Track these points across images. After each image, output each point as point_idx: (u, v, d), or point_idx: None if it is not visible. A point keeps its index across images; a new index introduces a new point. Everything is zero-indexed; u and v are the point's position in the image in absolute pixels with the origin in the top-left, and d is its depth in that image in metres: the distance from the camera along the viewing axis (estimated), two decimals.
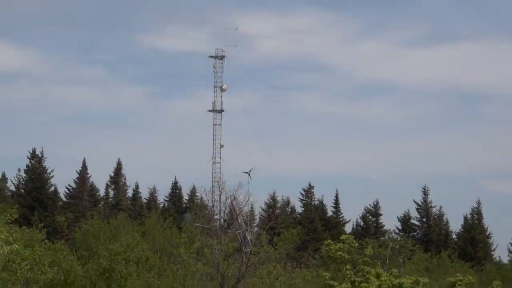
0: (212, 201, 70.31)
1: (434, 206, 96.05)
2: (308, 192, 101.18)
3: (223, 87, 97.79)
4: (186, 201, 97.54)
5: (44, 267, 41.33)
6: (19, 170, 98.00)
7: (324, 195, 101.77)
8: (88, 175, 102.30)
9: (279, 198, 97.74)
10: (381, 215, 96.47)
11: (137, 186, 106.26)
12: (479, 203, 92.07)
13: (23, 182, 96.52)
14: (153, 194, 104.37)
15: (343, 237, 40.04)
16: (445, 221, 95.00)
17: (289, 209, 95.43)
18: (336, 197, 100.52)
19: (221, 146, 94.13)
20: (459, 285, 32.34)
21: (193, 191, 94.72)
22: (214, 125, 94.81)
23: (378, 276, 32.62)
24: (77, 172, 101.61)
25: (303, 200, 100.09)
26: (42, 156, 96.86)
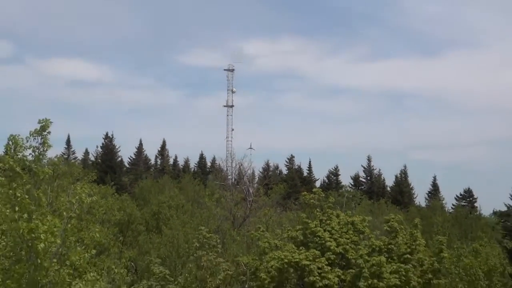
0: (226, 166, 70.89)
1: (375, 169, 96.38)
2: (291, 160, 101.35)
3: (233, 90, 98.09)
4: (209, 167, 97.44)
5: (114, 212, 42.05)
6: (97, 146, 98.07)
7: (301, 162, 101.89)
8: (143, 150, 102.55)
9: (271, 164, 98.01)
10: (339, 175, 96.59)
11: (176, 157, 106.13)
12: (405, 166, 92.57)
13: (99, 155, 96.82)
14: (187, 162, 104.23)
15: (314, 190, 40.62)
16: (383, 178, 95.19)
17: (278, 172, 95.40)
18: (309, 163, 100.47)
19: (232, 129, 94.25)
20: (392, 221, 32.53)
21: (213, 160, 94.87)
22: (227, 115, 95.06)
23: (337, 216, 32.81)
24: (136, 147, 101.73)
25: (287, 165, 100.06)
26: (112, 137, 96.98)
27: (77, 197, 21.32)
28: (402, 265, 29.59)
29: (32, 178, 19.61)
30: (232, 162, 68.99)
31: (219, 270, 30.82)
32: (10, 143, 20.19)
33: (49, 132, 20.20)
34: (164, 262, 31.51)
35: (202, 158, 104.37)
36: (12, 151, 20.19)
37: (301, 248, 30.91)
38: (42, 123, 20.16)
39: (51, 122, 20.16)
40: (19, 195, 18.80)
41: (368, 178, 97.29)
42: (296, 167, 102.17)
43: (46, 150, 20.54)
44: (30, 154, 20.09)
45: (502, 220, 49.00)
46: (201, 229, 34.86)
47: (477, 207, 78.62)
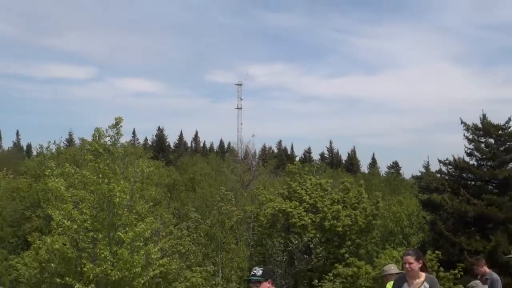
0: (237, 148, 71.09)
1: (335, 149, 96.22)
2: (280, 143, 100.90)
3: (241, 98, 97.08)
4: (226, 148, 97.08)
5: (164, 177, 42.16)
6: (152, 135, 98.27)
7: (287, 144, 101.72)
8: (183, 137, 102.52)
9: (267, 146, 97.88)
10: (311, 153, 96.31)
11: (204, 142, 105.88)
12: (354, 147, 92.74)
13: (154, 141, 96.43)
14: (211, 145, 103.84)
15: (295, 163, 40.70)
16: (340, 155, 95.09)
17: (271, 151, 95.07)
18: (292, 145, 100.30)
19: (241, 124, 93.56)
20: (345, 182, 32.58)
21: (229, 144, 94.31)
22: (237, 114, 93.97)
23: (310, 179, 32.67)
24: (178, 136, 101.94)
25: (277, 146, 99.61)
26: (162, 129, 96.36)
27: (139, 168, 21.52)
28: (352, 211, 29.65)
29: (110, 156, 19.73)
30: (241, 145, 69.52)
31: (233, 215, 30.87)
32: (96, 133, 20.41)
33: (121, 126, 20.41)
34: (197, 210, 31.59)
35: (221, 142, 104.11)
36: (97, 138, 20.38)
37: (286, 200, 30.98)
38: (116, 120, 20.33)
39: (122, 119, 20.35)
40: (101, 167, 18.91)
41: (330, 154, 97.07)
42: (283, 148, 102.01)
43: (119, 137, 20.75)
44: (108, 140, 20.26)
45: (417, 181, 49.05)
46: (221, 188, 34.88)
47: (401, 173, 79.65)
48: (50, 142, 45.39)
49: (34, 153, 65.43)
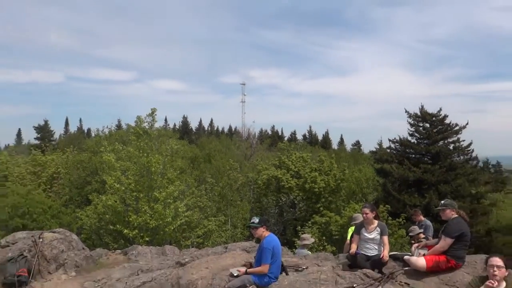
0: (242, 130, 70.66)
1: (313, 131, 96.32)
2: (273, 128, 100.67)
3: (244, 94, 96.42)
4: (233, 130, 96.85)
5: (188, 152, 41.81)
6: (179, 122, 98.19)
7: (278, 129, 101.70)
8: (202, 123, 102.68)
9: (263, 129, 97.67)
10: (296, 134, 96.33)
11: (218, 126, 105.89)
12: (327, 130, 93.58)
13: (181, 125, 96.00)
14: (223, 129, 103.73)
15: (284, 142, 40.83)
16: (317, 136, 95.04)
17: (267, 133, 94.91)
18: (282, 129, 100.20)
19: (244, 113, 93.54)
20: (321, 156, 32.64)
21: (236, 127, 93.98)
22: (242, 106, 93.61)
23: (295, 154, 32.76)
24: (198, 122, 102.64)
25: (272, 130, 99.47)
26: (186, 117, 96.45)
27: (170, 146, 21.46)
28: (326, 176, 29.61)
29: (148, 137, 19.63)
30: (244, 129, 69.14)
31: (238, 179, 30.95)
32: (137, 119, 20.24)
33: (155, 114, 20.25)
34: (212, 176, 31.56)
35: (230, 127, 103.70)
36: (138, 123, 20.20)
37: (277, 169, 30.97)
38: (152, 110, 20.18)
39: (156, 109, 20.22)
40: (141, 145, 18.82)
41: (310, 136, 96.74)
42: (275, 131, 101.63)
43: (154, 123, 20.60)
44: (146, 125, 20.12)
45: (373, 155, 48.79)
46: (229, 160, 34.93)
47: (362, 149, 79.46)
48: (104, 126, 45.46)
49: (93, 135, 65.52)
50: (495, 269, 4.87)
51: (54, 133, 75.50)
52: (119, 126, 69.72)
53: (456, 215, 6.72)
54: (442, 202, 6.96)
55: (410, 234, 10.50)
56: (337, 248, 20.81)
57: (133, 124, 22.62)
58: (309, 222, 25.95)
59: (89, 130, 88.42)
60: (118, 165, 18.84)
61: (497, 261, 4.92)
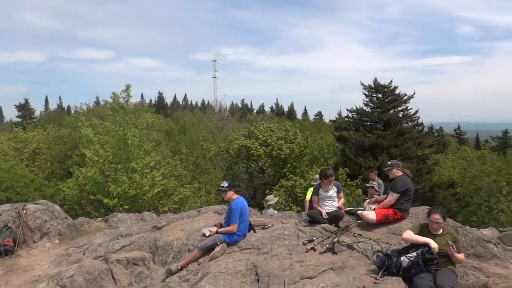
0: (214, 104, 70.04)
1: (280, 104, 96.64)
2: (243, 101, 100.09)
3: (216, 70, 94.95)
4: (206, 104, 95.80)
5: (163, 126, 41.21)
6: (155, 97, 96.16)
7: (247, 102, 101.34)
8: (177, 98, 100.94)
9: (234, 103, 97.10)
10: (264, 107, 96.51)
11: (191, 101, 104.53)
12: (292, 102, 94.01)
13: (157, 101, 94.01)
14: (196, 103, 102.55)
15: (253, 114, 40.60)
16: (283, 108, 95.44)
17: (237, 106, 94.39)
18: (251, 102, 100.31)
19: (216, 88, 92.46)
20: (287, 125, 32.60)
21: (208, 102, 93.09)
22: (214, 82, 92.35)
23: (263, 124, 32.60)
24: (172, 97, 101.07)
25: (241, 103, 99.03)
26: (162, 93, 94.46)
27: (145, 119, 21.00)
28: (291, 144, 29.77)
29: (124, 111, 19.19)
30: (216, 102, 68.56)
31: (211, 150, 30.83)
32: (112, 95, 19.68)
33: (130, 90, 19.76)
34: (187, 147, 31.33)
35: (203, 101, 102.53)
36: (114, 99, 19.68)
37: (247, 138, 30.93)
38: (126, 86, 19.67)
39: (131, 86, 19.71)
40: (118, 119, 18.39)
41: (277, 107, 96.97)
42: (245, 104, 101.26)
43: (129, 98, 20.10)
44: (122, 100, 19.64)
45: (333, 123, 49.19)
46: (202, 132, 34.67)
47: (323, 118, 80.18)
48: (82, 103, 44.11)
49: (72, 112, 63.56)
50: (435, 225, 5.26)
51: (35, 111, 73.20)
52: (97, 103, 67.82)
53: (402, 173, 6.93)
54: (389, 162, 7.17)
55: (368, 185, 10.95)
56: (302, 207, 21.19)
57: (110, 100, 22.06)
58: (277, 186, 26.23)
59: (69, 107, 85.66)
60: (96, 139, 18.43)
61: (437, 218, 5.25)
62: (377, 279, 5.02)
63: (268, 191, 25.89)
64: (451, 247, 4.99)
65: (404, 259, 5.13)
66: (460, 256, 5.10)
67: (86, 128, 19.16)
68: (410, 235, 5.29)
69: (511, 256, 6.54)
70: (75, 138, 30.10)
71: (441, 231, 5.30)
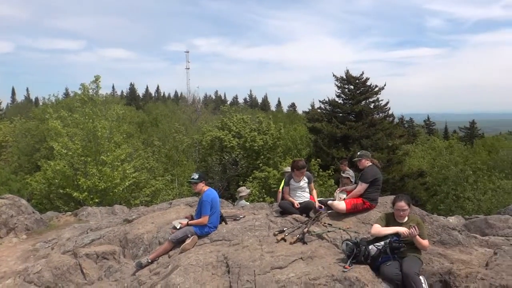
0: (187, 95, 69.19)
1: (253, 95, 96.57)
2: (216, 92, 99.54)
3: (189, 61, 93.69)
4: (179, 95, 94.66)
5: (135, 117, 40.45)
6: (127, 89, 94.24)
7: (221, 93, 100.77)
8: (149, 90, 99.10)
9: (207, 94, 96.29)
10: (238, 98, 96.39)
11: (164, 92, 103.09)
12: (266, 94, 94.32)
13: (128, 92, 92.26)
14: (169, 94, 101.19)
15: (226, 105, 40.37)
16: (257, 99, 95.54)
17: (210, 98, 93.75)
18: (224, 94, 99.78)
19: (189, 79, 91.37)
20: (260, 117, 32.55)
21: (181, 93, 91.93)
22: (186, 72, 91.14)
23: (236, 116, 32.45)
24: (144, 89, 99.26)
25: (215, 95, 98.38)
26: (133, 84, 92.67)
27: (115, 111, 20.60)
28: (264, 135, 29.76)
29: (93, 103, 18.76)
30: (189, 94, 67.65)
31: (184, 142, 30.55)
32: (81, 86, 19.19)
33: (99, 81, 19.29)
34: (159, 139, 30.93)
35: (176, 92, 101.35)
36: (83, 90, 19.20)
37: (220, 130, 30.77)
38: (95, 77, 19.20)
39: (100, 76, 19.23)
40: (87, 110, 17.97)
41: (250, 99, 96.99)
42: (219, 95, 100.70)
43: (99, 89, 19.62)
44: (91, 91, 19.19)
45: (306, 115, 49.59)
46: (175, 124, 34.31)
47: (297, 110, 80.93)
48: (50, 95, 42.86)
49: (41, 103, 61.63)
50: (401, 212, 5.37)
51: (1, 103, 70.56)
52: (67, 94, 66.05)
53: (371, 164, 7.05)
54: (358, 153, 7.29)
55: (344, 175, 11.22)
56: (275, 199, 21.32)
57: (79, 92, 21.48)
58: (250, 177, 26.26)
59: (37, 99, 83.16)
60: (64, 131, 17.94)
61: (402, 206, 5.36)
62: (346, 268, 5.11)
63: (241, 182, 25.88)
64: (413, 228, 5.12)
65: (372, 248, 5.25)
66: (424, 242, 5.24)
67: (54, 120, 18.60)
68: (378, 229, 5.38)
69: (475, 242, 6.78)
70: (43, 130, 29.26)
71: (406, 219, 5.43)
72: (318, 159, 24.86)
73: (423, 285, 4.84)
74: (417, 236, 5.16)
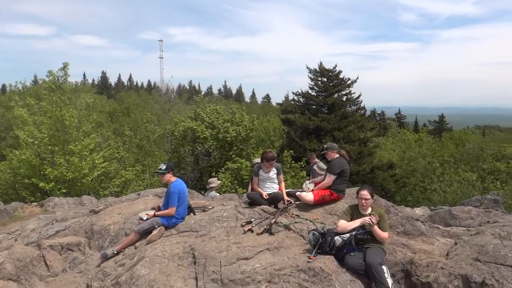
0: (160, 85, 68.14)
1: (228, 87, 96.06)
2: (190, 82, 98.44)
3: (162, 50, 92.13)
4: (153, 85, 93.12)
5: (106, 107, 39.59)
6: (98, 77, 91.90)
7: (195, 83, 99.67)
8: (121, 79, 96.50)
9: (181, 84, 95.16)
10: (212, 89, 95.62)
11: (137, 82, 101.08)
12: (241, 85, 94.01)
13: (100, 81, 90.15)
14: (142, 83, 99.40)
15: (199, 96, 39.74)
16: (231, 90, 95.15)
17: (185, 88, 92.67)
18: (199, 84, 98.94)
19: (163, 68, 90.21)
20: (233, 108, 32.39)
21: (154, 82, 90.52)
22: (160, 62, 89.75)
23: (209, 106, 32.10)
24: (117, 77, 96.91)
25: (189, 85, 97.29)
26: (105, 72, 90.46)
27: (83, 100, 20.10)
28: (237, 127, 29.65)
29: (61, 91, 18.21)
30: (163, 84, 66.64)
31: (156, 131, 30.11)
32: (49, 74, 18.57)
33: (68, 69, 18.72)
34: (130, 129, 30.40)
35: (149, 82, 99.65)
36: (51, 77, 18.60)
37: (193, 121, 30.46)
38: (64, 64, 18.62)
39: (68, 64, 18.65)
40: (55, 99, 17.44)
41: (225, 90, 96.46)
42: (193, 85, 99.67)
43: (67, 77, 19.03)
44: (60, 78, 18.61)
45: (280, 106, 49.71)
46: (146, 114, 33.78)
47: (271, 101, 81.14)
48: (17, 81, 41.33)
49: (8, 91, 59.49)
50: (364, 201, 5.47)
51: None
52: (35, 82, 63.92)
53: (338, 155, 7.12)
54: (325, 146, 7.34)
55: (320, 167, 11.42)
56: (247, 190, 21.35)
57: (46, 79, 20.80)
58: (223, 168, 26.19)
59: (4, 86, 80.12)
60: (30, 119, 17.38)
61: (365, 194, 5.48)
62: (311, 258, 5.16)
63: (214, 173, 25.78)
64: (371, 217, 5.21)
65: (338, 239, 5.33)
66: (382, 234, 5.34)
67: (20, 108, 18.01)
68: (344, 225, 5.44)
69: (437, 233, 6.98)
70: (9, 118, 28.30)
71: (370, 210, 5.54)
72: (290, 151, 25.00)
73: (386, 274, 4.95)
74: (376, 227, 5.26)
